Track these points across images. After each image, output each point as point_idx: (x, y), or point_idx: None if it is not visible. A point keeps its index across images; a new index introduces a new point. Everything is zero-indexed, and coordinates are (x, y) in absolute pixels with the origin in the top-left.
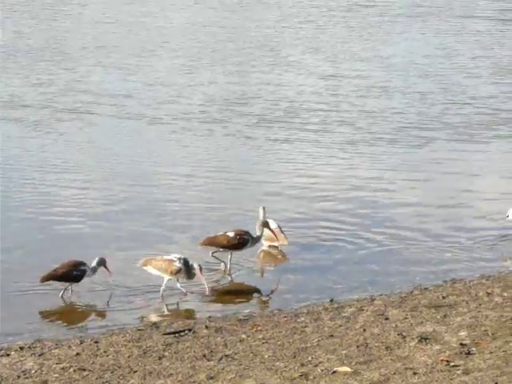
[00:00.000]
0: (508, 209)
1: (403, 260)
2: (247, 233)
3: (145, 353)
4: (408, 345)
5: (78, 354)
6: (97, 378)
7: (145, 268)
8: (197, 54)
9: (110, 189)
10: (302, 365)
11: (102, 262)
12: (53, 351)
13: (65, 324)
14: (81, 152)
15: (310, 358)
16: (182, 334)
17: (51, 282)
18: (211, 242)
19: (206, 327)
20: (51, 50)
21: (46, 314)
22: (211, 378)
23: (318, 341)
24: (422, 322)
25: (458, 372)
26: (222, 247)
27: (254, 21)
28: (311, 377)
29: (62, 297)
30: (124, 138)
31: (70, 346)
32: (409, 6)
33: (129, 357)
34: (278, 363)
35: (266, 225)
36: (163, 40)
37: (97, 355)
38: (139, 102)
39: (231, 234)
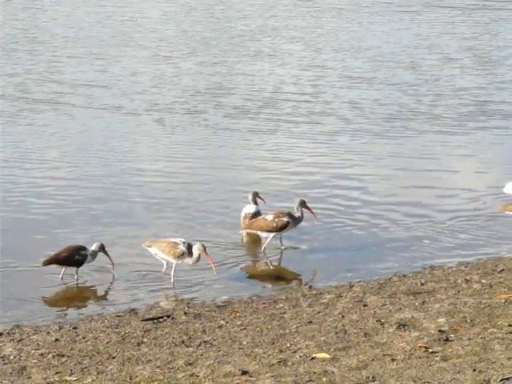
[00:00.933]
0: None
1: (382, 247)
2: (288, 214)
3: (123, 339)
4: (386, 331)
5: (56, 339)
6: (75, 364)
7: (149, 249)
8: (175, 45)
9: (87, 180)
10: (281, 351)
11: (101, 247)
12: (31, 337)
13: (43, 310)
14: (55, 143)
15: (288, 345)
16: (160, 320)
17: (45, 267)
18: (250, 227)
19: (185, 313)
20: (26, 40)
21: (24, 300)
22: (190, 364)
23: (297, 327)
24: (400, 309)
25: (437, 358)
26: (262, 231)
27: (235, 11)
28: (290, 363)
29: (61, 278)
30: (100, 129)
31: (48, 332)
32: None
33: (107, 343)
34: (256, 349)
35: (303, 204)
36: (140, 30)
37: (75, 341)
38: (116, 92)
39: (269, 218)
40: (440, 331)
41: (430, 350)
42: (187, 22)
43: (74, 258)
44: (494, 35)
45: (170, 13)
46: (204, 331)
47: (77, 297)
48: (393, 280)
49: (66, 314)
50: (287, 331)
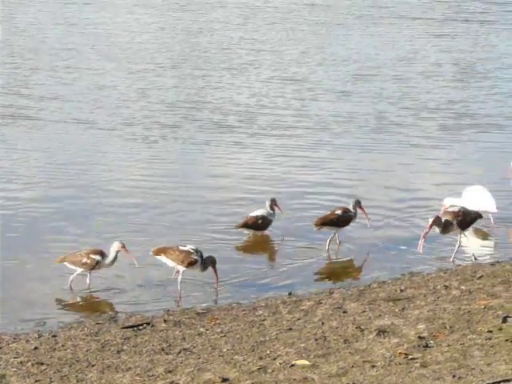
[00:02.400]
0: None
1: (361, 254)
2: (349, 210)
3: (103, 347)
4: (366, 338)
5: (36, 347)
6: (55, 372)
7: (157, 257)
8: (147, 58)
9: (52, 196)
10: (261, 358)
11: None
12: (11, 345)
13: (23, 318)
14: (21, 158)
15: (268, 352)
16: (140, 327)
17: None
18: (323, 222)
19: (165, 321)
20: None
21: (2, 308)
22: (170, 371)
23: (277, 334)
24: (380, 315)
25: (416, 365)
26: (333, 225)
27: (211, 23)
28: (270, 370)
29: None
30: (68, 143)
31: (28, 340)
32: (369, 8)
33: (87, 351)
34: (236, 356)
35: (358, 204)
36: (110, 42)
37: (55, 349)
38: (85, 106)
39: (339, 212)
40: (419, 338)
41: (410, 357)
42: (161, 35)
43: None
44: (474, 47)
45: (144, 25)
46: (184, 338)
47: (56, 304)
48: (372, 287)
49: (45, 322)
50: (267, 338)
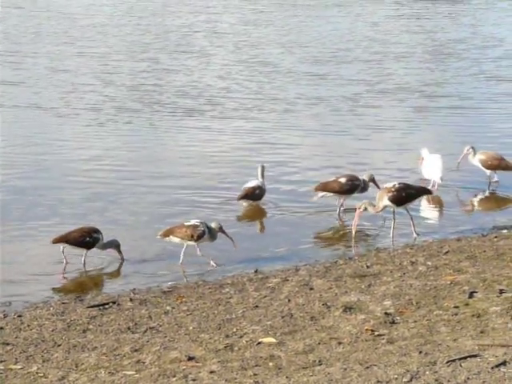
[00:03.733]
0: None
1: (327, 230)
2: (358, 179)
3: (69, 326)
4: (333, 315)
5: (1, 328)
6: (20, 352)
7: (166, 239)
8: (108, 42)
9: (11, 184)
10: (227, 336)
11: (114, 245)
12: None
13: None
14: None
15: (234, 330)
16: (106, 306)
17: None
18: (324, 188)
19: (131, 300)
20: None
21: None
22: (136, 350)
23: (243, 312)
24: (346, 292)
25: (383, 341)
26: (334, 192)
27: (171, 8)
28: (236, 348)
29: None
30: (27, 129)
31: None
32: None
33: (53, 330)
34: (202, 335)
35: (372, 179)
36: (71, 26)
37: (20, 329)
38: (45, 91)
39: (343, 180)
40: (386, 314)
41: (376, 333)
42: (123, 19)
43: (83, 239)
44: (445, 28)
45: (104, 8)
46: (150, 317)
47: (22, 284)
48: (339, 263)
49: (10, 303)
50: (233, 316)
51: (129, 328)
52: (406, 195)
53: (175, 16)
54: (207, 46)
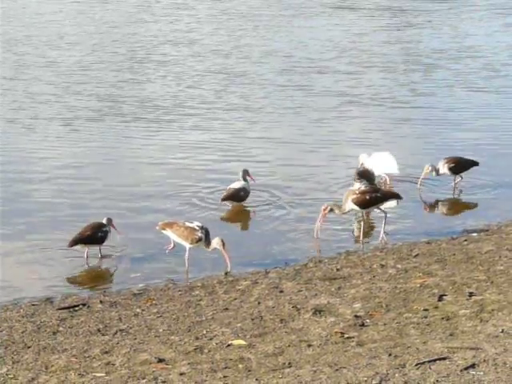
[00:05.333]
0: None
1: (297, 232)
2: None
3: (39, 328)
4: (302, 317)
5: None
6: None
7: (163, 232)
8: (71, 50)
9: None
10: (197, 338)
11: (109, 222)
12: None
13: None
14: None
15: (204, 332)
16: (76, 308)
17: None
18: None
19: (101, 302)
20: None
21: None
22: (106, 352)
23: (213, 314)
24: (316, 295)
25: (353, 344)
26: None
27: (134, 14)
28: (206, 350)
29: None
30: None
31: None
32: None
33: (23, 332)
34: (172, 337)
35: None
36: (31, 33)
37: None
38: (2, 100)
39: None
40: (356, 316)
41: (346, 336)
42: (86, 27)
43: (97, 235)
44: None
45: (67, 15)
46: (120, 319)
47: None
48: (308, 266)
49: None
50: (203, 318)
51: (99, 330)
52: (370, 198)
53: (145, 25)
54: (178, 56)
